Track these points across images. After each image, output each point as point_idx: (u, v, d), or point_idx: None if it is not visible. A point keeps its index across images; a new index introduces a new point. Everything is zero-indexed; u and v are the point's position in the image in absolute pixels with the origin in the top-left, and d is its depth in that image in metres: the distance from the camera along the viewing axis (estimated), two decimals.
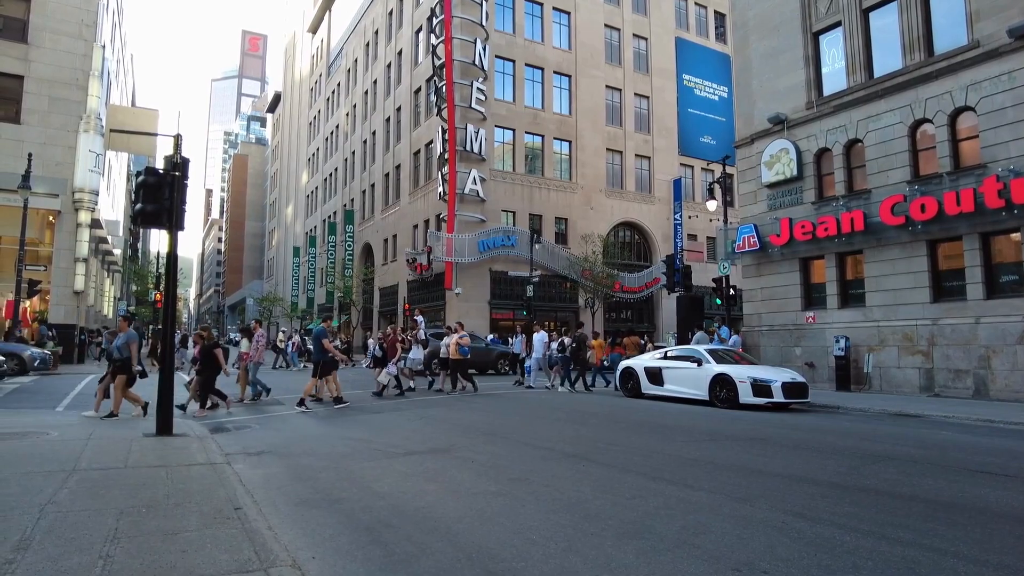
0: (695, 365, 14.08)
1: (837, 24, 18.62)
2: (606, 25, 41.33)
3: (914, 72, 16.41)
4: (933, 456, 7.74)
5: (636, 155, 41.85)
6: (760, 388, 12.83)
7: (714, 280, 22.26)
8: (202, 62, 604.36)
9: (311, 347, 16.74)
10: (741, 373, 13.19)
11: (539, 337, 18.17)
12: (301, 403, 12.36)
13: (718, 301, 22.74)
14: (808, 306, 18.94)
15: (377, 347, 16.18)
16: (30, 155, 20.73)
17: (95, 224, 25.19)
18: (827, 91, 18.90)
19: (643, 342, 26.68)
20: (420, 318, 19.10)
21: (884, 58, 17.51)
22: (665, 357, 15.25)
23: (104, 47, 25.96)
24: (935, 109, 15.93)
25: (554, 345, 17.70)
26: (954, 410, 12.28)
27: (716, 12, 46.54)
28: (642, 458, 7.47)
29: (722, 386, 13.30)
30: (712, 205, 24.76)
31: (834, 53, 18.82)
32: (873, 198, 16.93)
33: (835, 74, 18.76)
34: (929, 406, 13.11)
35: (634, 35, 42.47)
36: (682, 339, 21.23)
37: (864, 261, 17.43)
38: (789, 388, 12.90)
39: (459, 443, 8.43)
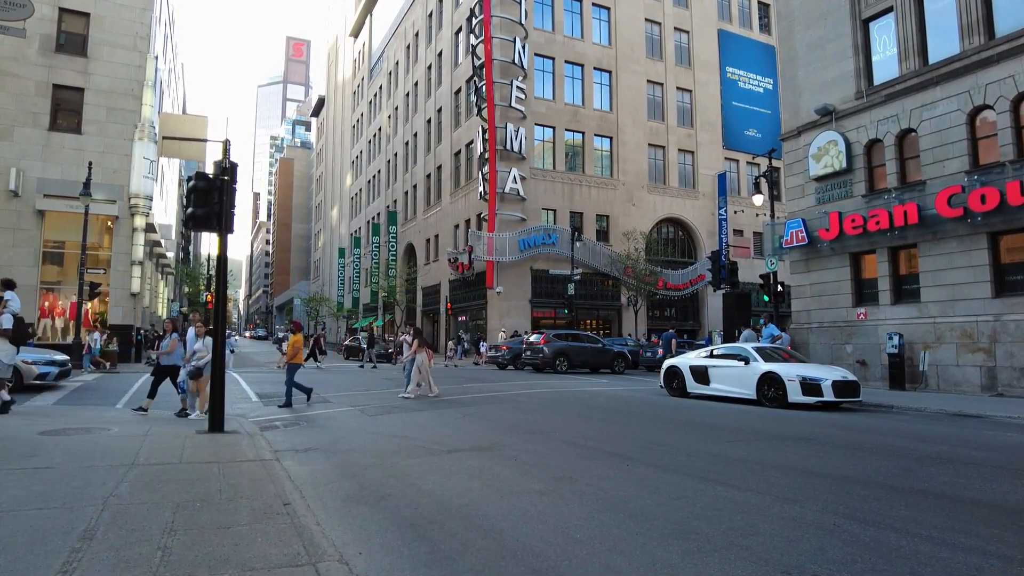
0: (742, 363, 13.78)
1: (888, 10, 17.95)
2: (646, 19, 40.87)
3: (973, 56, 15.70)
4: (997, 459, 7.39)
5: (679, 150, 41.26)
6: (809, 387, 12.48)
7: (761, 276, 21.74)
8: (248, 69, 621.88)
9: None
10: (790, 371, 12.85)
11: (192, 337, 10.80)
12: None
13: (766, 298, 22.21)
14: (859, 302, 18.35)
15: None
16: (90, 164, 21.64)
17: (149, 228, 26.16)
18: (877, 80, 18.24)
19: None
20: (9, 294, 10.02)
21: (939, 43, 16.79)
22: (711, 355, 15.00)
23: (156, 58, 26.93)
24: (996, 95, 15.21)
25: (198, 344, 10.50)
26: (1020, 411, 11.70)
27: (759, 3, 45.60)
28: (687, 457, 7.36)
29: (770, 385, 12.98)
30: (758, 200, 24.21)
31: (885, 40, 18.15)
32: (928, 190, 16.28)
33: (886, 62, 18.09)
34: (991, 406, 12.53)
35: (675, 28, 41.87)
36: (728, 337, 20.82)
37: (918, 255, 16.77)
38: (840, 387, 12.51)
39: (502, 441, 8.45)
